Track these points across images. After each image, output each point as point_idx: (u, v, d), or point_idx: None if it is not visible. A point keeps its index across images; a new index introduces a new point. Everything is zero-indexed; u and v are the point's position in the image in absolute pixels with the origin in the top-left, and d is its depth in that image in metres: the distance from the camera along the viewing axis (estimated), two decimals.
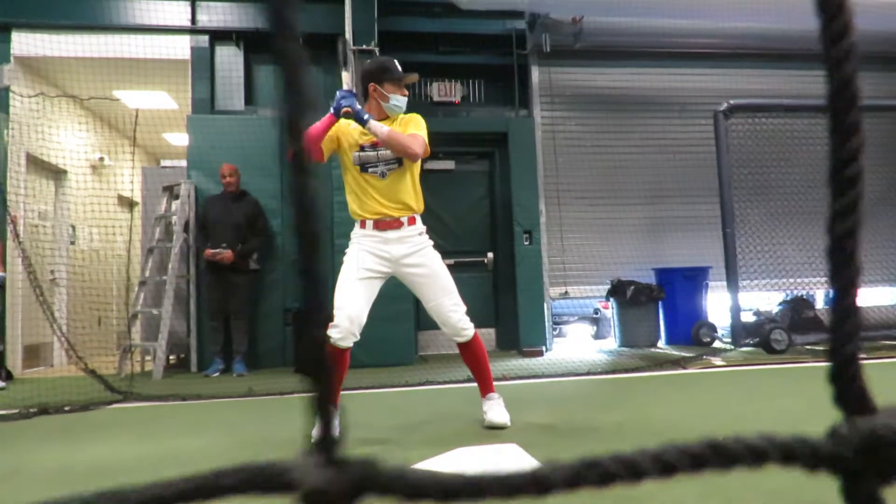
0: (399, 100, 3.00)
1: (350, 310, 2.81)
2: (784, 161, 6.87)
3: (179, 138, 8.39)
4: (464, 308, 2.99)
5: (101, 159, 8.15)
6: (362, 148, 2.96)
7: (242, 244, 5.81)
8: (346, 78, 2.82)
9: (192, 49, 6.61)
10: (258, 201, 6.05)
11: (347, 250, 2.99)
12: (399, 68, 3.04)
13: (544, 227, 6.83)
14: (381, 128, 2.85)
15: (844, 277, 0.37)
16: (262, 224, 6.05)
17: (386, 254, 2.93)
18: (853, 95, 0.36)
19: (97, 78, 6.40)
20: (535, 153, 6.81)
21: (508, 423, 2.93)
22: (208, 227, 5.80)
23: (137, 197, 6.99)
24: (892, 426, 0.34)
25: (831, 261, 0.37)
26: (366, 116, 2.85)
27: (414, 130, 2.95)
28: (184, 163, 6.48)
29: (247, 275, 5.86)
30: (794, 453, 0.35)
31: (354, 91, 2.98)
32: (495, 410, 2.97)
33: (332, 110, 2.86)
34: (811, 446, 0.35)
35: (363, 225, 2.97)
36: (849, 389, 0.37)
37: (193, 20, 6.62)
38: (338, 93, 2.88)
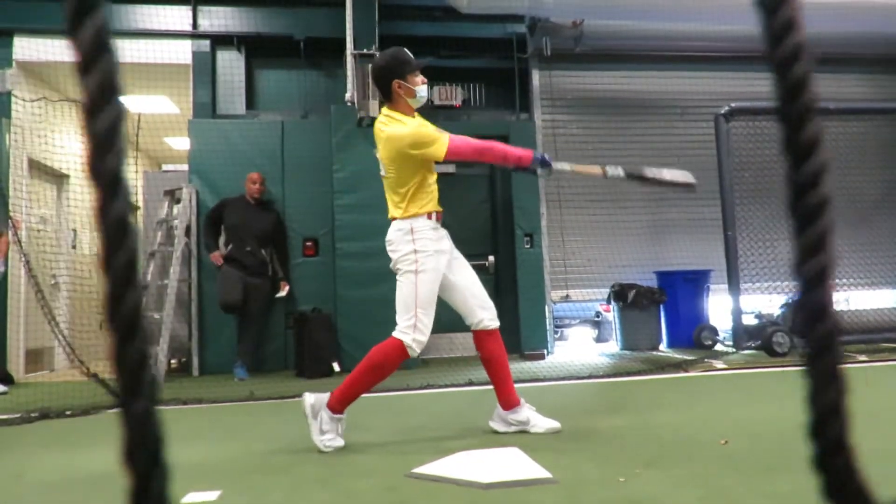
0: (423, 89, 2.87)
1: None
2: (785, 163, 6.86)
3: (181, 142, 8.41)
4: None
5: None
6: None
7: (267, 252, 5.90)
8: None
9: (194, 53, 6.62)
10: (280, 213, 6.11)
11: None
12: (411, 55, 2.90)
13: (545, 231, 6.82)
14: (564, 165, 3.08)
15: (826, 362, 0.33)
16: (284, 236, 6.10)
17: None
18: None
19: None
20: None
21: None
22: (228, 228, 5.79)
23: (139, 201, 7.01)
24: None
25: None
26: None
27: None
28: (185, 167, 6.49)
29: (268, 281, 5.88)
30: None
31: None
32: None
33: (536, 158, 2.94)
34: None
35: None
36: (843, 483, 0.30)
37: (195, 25, 6.63)
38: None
